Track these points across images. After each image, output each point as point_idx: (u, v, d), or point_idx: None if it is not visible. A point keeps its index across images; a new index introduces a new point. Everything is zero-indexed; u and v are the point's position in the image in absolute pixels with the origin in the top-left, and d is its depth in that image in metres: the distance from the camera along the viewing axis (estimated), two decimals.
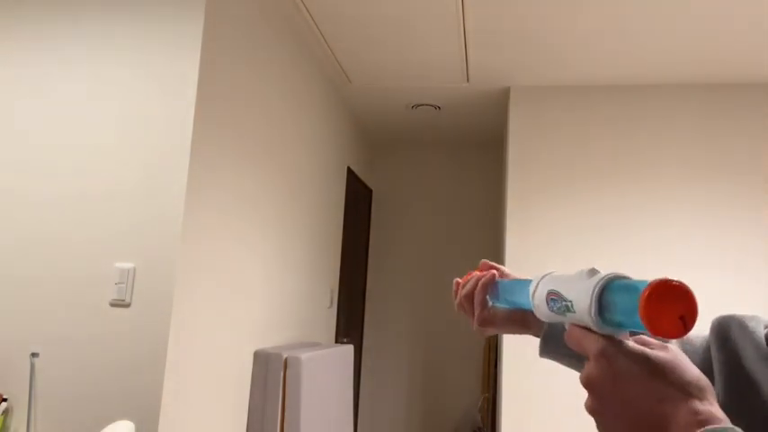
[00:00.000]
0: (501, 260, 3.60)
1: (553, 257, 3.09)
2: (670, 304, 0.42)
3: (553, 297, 0.54)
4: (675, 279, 0.43)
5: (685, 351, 0.64)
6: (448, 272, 4.36)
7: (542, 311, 0.57)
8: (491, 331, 0.74)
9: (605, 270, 0.50)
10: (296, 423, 2.23)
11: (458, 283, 0.78)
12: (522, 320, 0.73)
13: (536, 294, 0.59)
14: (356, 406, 4.16)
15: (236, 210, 2.13)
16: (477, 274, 0.74)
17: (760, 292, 2.89)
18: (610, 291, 0.47)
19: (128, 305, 1.72)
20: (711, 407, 0.43)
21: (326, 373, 2.61)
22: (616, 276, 0.48)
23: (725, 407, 0.59)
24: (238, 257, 2.16)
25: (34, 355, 1.73)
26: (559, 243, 3.10)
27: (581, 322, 0.50)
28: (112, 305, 1.73)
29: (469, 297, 0.74)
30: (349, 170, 3.84)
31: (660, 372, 0.45)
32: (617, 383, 0.46)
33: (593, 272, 0.50)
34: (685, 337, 0.66)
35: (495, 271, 0.73)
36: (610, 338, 0.47)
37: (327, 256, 3.38)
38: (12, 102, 1.92)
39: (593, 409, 0.48)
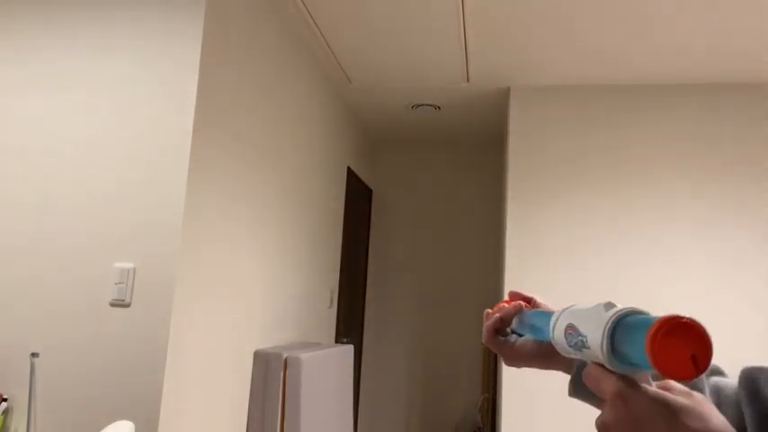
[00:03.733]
0: (501, 260, 3.60)
1: (553, 257, 3.09)
2: (679, 342, 0.39)
3: (570, 332, 0.52)
4: (687, 316, 0.40)
5: (720, 404, 0.61)
6: (448, 272, 4.35)
7: (561, 346, 0.55)
8: (521, 365, 0.71)
9: (622, 304, 0.47)
10: (296, 423, 2.23)
11: (487, 314, 0.75)
12: (551, 355, 0.69)
13: (556, 327, 0.56)
14: (356, 406, 4.16)
15: (236, 210, 2.13)
16: (505, 306, 0.72)
17: (761, 293, 2.89)
18: (621, 327, 0.45)
19: (128, 305, 1.72)
20: None
21: (326, 373, 2.61)
22: (630, 312, 0.46)
23: None
24: (238, 257, 2.16)
25: (34, 355, 1.73)
26: (559, 242, 3.10)
27: (596, 359, 0.47)
28: (112, 305, 1.73)
29: (497, 328, 0.71)
30: (349, 170, 3.84)
31: (683, 417, 0.42)
32: (635, 427, 0.43)
33: (609, 306, 0.48)
34: (718, 385, 0.62)
35: (522, 302, 0.70)
36: (628, 380, 0.45)
37: (327, 256, 3.38)
38: (11, 101, 1.92)
39: None
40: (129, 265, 1.74)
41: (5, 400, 1.72)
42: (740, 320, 2.88)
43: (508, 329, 0.72)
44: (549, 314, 0.61)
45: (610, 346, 0.45)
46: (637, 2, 2.36)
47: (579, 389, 0.66)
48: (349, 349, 3.02)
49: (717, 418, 0.43)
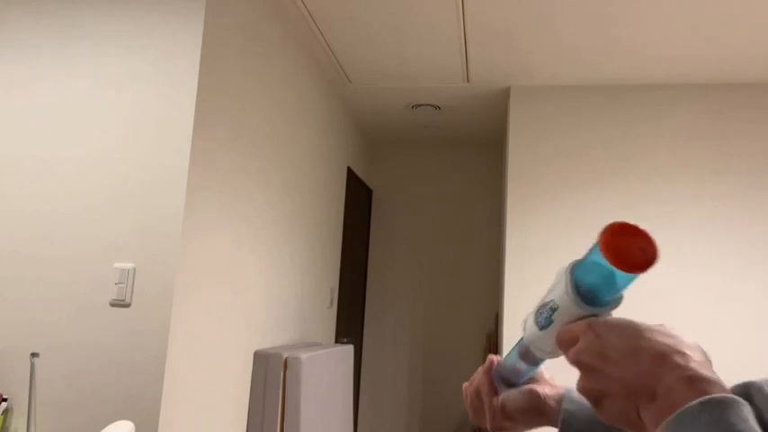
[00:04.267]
0: (501, 261, 3.60)
1: (553, 257, 3.09)
2: (627, 238, 0.44)
3: (540, 311, 0.55)
4: (628, 222, 0.46)
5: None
6: (448, 271, 4.35)
7: (536, 340, 0.56)
8: (509, 429, 0.67)
9: None
10: (296, 423, 2.23)
11: (466, 387, 0.72)
12: (539, 408, 0.67)
13: (526, 328, 0.58)
14: (356, 406, 4.16)
15: (236, 210, 2.13)
16: (479, 369, 0.71)
17: (761, 292, 2.89)
18: (577, 264, 0.50)
19: (128, 305, 1.72)
20: (704, 370, 0.41)
21: (326, 373, 2.61)
22: (582, 258, 0.51)
23: None
24: (238, 257, 2.16)
25: (34, 355, 1.73)
26: (559, 242, 3.10)
27: (568, 317, 0.50)
28: (112, 305, 1.73)
29: (478, 393, 0.68)
30: (349, 170, 3.84)
31: (647, 332, 0.44)
32: (604, 350, 0.45)
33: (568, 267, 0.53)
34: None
35: (495, 357, 0.69)
36: (594, 316, 0.48)
37: (327, 256, 3.38)
38: (10, 101, 1.92)
39: (584, 386, 0.46)
40: (129, 265, 1.74)
41: (5, 400, 1.72)
42: (742, 319, 2.88)
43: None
44: (515, 345, 0.63)
45: (574, 284, 0.49)
46: (637, 2, 2.36)
47: None
48: (349, 349, 3.02)
49: (682, 335, 0.44)
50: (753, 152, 3.01)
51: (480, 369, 0.70)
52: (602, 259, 0.44)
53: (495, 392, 0.67)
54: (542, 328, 0.54)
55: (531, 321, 0.57)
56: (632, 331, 0.45)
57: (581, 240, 3.08)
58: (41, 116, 1.88)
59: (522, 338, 0.60)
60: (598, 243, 0.45)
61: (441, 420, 4.23)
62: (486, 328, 4.13)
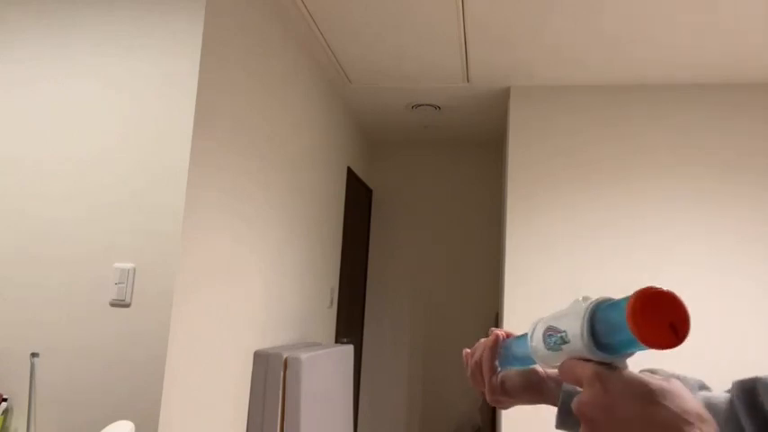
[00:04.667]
0: (501, 261, 3.60)
1: (553, 257, 3.09)
2: (658, 312, 0.40)
3: (550, 333, 0.53)
4: (660, 287, 0.41)
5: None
6: (448, 271, 4.35)
7: (540, 353, 0.55)
8: (507, 404, 0.69)
9: (598, 295, 0.49)
10: (296, 423, 2.23)
11: (467, 354, 0.73)
12: (538, 388, 0.68)
13: (534, 336, 0.56)
14: (356, 406, 4.16)
15: (236, 210, 2.13)
16: (483, 341, 0.70)
17: (761, 292, 2.89)
18: (600, 311, 0.45)
19: (128, 305, 1.72)
20: None
21: (326, 373, 2.61)
22: (606, 299, 0.46)
23: None
24: (238, 257, 2.16)
25: (34, 355, 1.73)
26: (559, 242, 3.10)
27: (577, 353, 0.48)
28: (112, 305, 1.73)
29: (479, 366, 0.69)
30: (349, 170, 3.84)
31: (659, 397, 0.42)
32: (611, 407, 0.43)
33: (585, 298, 0.48)
34: (709, 400, 0.62)
35: (501, 332, 0.68)
36: (605, 364, 0.45)
37: (327, 256, 3.38)
38: (10, 100, 1.92)
39: None
40: (129, 265, 1.74)
41: (5, 400, 1.72)
42: (743, 319, 2.88)
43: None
44: (525, 334, 0.60)
45: (590, 330, 0.45)
46: (637, 2, 2.36)
47: (566, 419, 0.66)
48: (349, 349, 3.02)
49: (692, 400, 0.43)
50: (753, 152, 3.01)
51: (484, 342, 0.69)
52: (626, 322, 0.41)
53: (496, 369, 0.68)
54: (549, 348, 0.53)
55: (539, 332, 0.55)
56: (643, 393, 0.42)
57: (581, 240, 3.08)
58: (41, 116, 1.88)
59: (535, 324, 0.58)
60: (627, 305, 0.41)
61: (441, 420, 4.23)
62: (486, 327, 4.12)
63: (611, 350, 0.45)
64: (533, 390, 0.68)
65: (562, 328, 0.50)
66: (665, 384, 0.43)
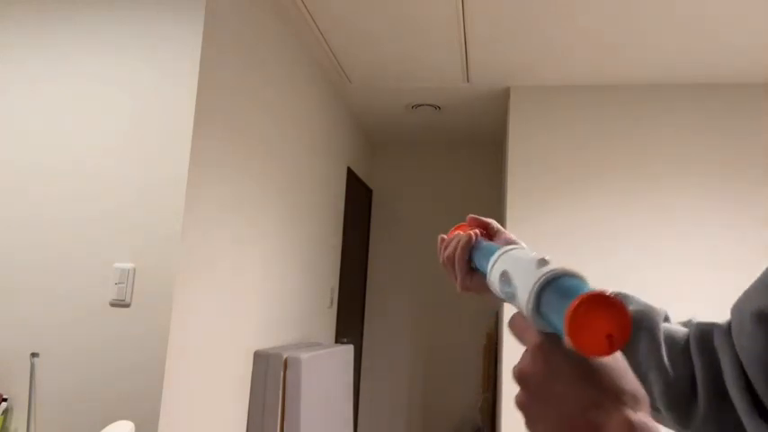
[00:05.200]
0: None
1: (553, 257, 3.08)
2: (598, 320, 0.39)
3: (504, 279, 0.52)
4: (612, 292, 0.40)
5: (670, 349, 0.63)
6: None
7: (495, 289, 0.55)
8: (475, 293, 0.71)
9: (557, 263, 0.47)
10: (296, 423, 2.23)
11: (442, 240, 0.74)
12: None
13: (494, 269, 0.56)
14: (356, 406, 4.16)
15: (236, 210, 2.13)
16: (459, 233, 0.71)
17: None
18: (549, 290, 0.44)
19: (128, 305, 1.72)
20: (645, 418, 0.41)
21: (326, 373, 2.61)
22: (561, 274, 0.45)
23: (706, 419, 0.58)
24: (238, 257, 2.16)
25: (34, 355, 1.73)
26: (559, 242, 3.10)
27: (522, 311, 0.47)
28: (112, 305, 1.73)
29: (450, 259, 0.71)
30: (349, 170, 3.84)
31: (596, 375, 0.42)
32: (549, 381, 0.43)
33: (541, 263, 0.47)
34: (670, 331, 0.65)
35: (475, 231, 0.69)
36: (550, 335, 0.44)
37: (327, 255, 3.38)
38: (10, 101, 1.92)
39: (522, 403, 0.45)
40: (129, 265, 1.74)
41: (5, 400, 1.72)
42: None
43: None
44: (495, 249, 0.60)
45: (536, 308, 0.45)
46: (637, 2, 2.36)
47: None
48: (349, 349, 3.02)
49: (629, 376, 0.43)
50: (753, 152, 3.01)
51: (458, 239, 0.70)
52: (563, 322, 0.40)
53: (468, 267, 0.69)
54: (502, 291, 0.52)
55: (497, 271, 0.54)
56: (582, 370, 0.42)
57: (581, 240, 3.08)
58: (42, 117, 1.88)
59: (497, 256, 0.57)
60: (566, 310, 0.39)
61: (441, 420, 4.23)
62: (486, 327, 4.13)
63: (554, 327, 0.44)
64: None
65: (514, 284, 0.49)
66: (604, 360, 0.43)
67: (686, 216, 3.01)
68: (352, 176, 3.90)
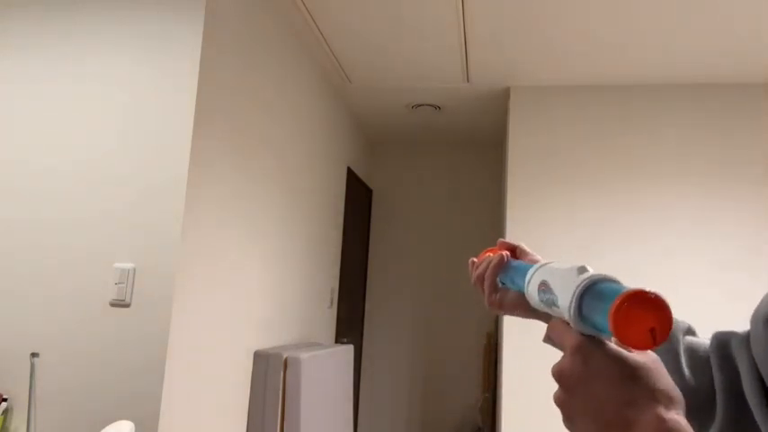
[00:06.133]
0: None
1: (553, 256, 3.08)
2: (641, 315, 0.42)
3: (543, 288, 0.55)
4: (653, 290, 0.42)
5: (693, 364, 0.64)
6: (448, 271, 4.35)
7: (534, 300, 0.58)
8: (502, 313, 0.74)
9: (595, 270, 0.50)
10: (296, 423, 2.23)
11: (472, 263, 0.78)
12: (530, 307, 0.72)
13: (531, 282, 0.59)
14: (356, 406, 4.16)
15: (236, 210, 2.13)
16: (490, 255, 0.74)
17: (760, 291, 2.89)
18: (590, 293, 0.47)
19: (128, 305, 1.72)
20: (678, 416, 0.43)
21: (326, 373, 2.61)
22: (601, 279, 0.48)
23: (724, 425, 0.59)
24: (238, 257, 2.16)
25: (34, 355, 1.73)
26: (559, 243, 3.10)
27: (565, 318, 0.50)
28: (112, 305, 1.73)
29: (481, 279, 0.74)
30: (349, 170, 3.84)
31: (633, 375, 0.44)
32: (588, 381, 0.45)
33: (582, 270, 0.50)
34: (692, 345, 0.66)
35: (506, 253, 0.72)
36: (590, 337, 0.47)
37: (327, 256, 3.38)
38: (9, 100, 1.92)
39: (560, 401, 0.48)
40: (129, 265, 1.74)
41: (5, 400, 1.72)
42: (742, 317, 2.88)
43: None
44: (528, 266, 0.63)
45: (578, 310, 0.47)
46: (637, 2, 2.36)
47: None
48: (349, 349, 3.02)
49: (665, 378, 0.45)
50: (753, 152, 3.01)
51: (489, 260, 0.73)
52: (606, 320, 0.42)
53: (497, 287, 0.72)
54: (542, 301, 0.55)
55: (536, 282, 0.57)
56: (620, 371, 0.45)
57: (581, 239, 3.08)
58: (42, 117, 1.88)
59: (534, 270, 0.60)
60: (611, 306, 0.42)
61: (441, 420, 4.23)
62: (486, 327, 4.13)
63: (595, 329, 0.47)
64: (526, 307, 0.72)
65: (555, 292, 0.52)
66: (640, 360, 0.45)
67: (686, 216, 3.01)
68: (352, 176, 3.90)
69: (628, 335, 0.42)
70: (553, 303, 0.52)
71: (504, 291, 0.72)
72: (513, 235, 3.16)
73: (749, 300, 2.69)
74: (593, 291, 0.47)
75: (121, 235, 1.76)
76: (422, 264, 4.40)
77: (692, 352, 0.65)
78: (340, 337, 3.68)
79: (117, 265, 1.74)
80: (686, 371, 0.64)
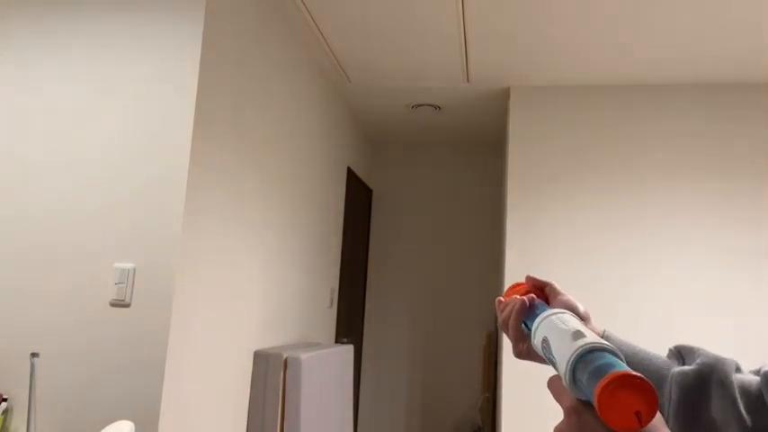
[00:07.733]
0: (501, 261, 3.60)
1: (553, 258, 3.09)
2: (627, 398, 0.43)
3: (545, 345, 0.57)
4: (638, 375, 0.43)
5: (747, 402, 0.63)
6: (448, 271, 4.36)
7: (538, 351, 0.60)
8: (530, 360, 0.73)
9: (590, 335, 0.51)
10: (296, 423, 2.23)
11: (499, 302, 0.77)
12: None
13: (536, 334, 0.60)
14: (356, 406, 4.16)
15: (236, 210, 2.13)
16: (515, 297, 0.73)
17: (760, 290, 2.89)
18: (583, 364, 0.49)
19: (128, 305, 1.72)
20: None
21: (326, 373, 2.61)
22: (593, 348, 0.49)
23: None
24: (238, 257, 2.16)
25: (34, 355, 1.73)
26: (560, 243, 3.10)
27: (561, 378, 0.52)
28: (112, 305, 1.73)
29: (506, 323, 0.73)
30: (349, 170, 3.84)
31: None
32: None
33: (577, 335, 0.52)
34: (743, 383, 0.65)
35: (530, 296, 0.71)
36: (585, 401, 0.49)
37: (327, 256, 3.38)
38: (10, 101, 1.92)
39: None
40: (129, 265, 1.74)
41: (5, 400, 1.72)
42: (741, 320, 2.88)
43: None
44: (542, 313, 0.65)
45: (572, 379, 0.50)
46: (637, 2, 2.36)
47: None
48: (349, 349, 3.02)
49: None
50: (753, 152, 3.01)
51: (512, 305, 0.72)
52: (594, 395, 0.44)
53: (523, 335, 0.71)
54: (544, 355, 0.58)
55: (540, 336, 0.59)
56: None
57: (581, 239, 3.08)
58: (42, 117, 1.88)
59: (539, 322, 0.61)
60: (596, 387, 0.44)
61: (441, 420, 4.23)
62: (486, 328, 4.13)
63: (587, 397, 0.48)
64: None
65: (553, 353, 0.54)
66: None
67: (686, 216, 3.01)
68: (352, 176, 3.90)
69: (613, 417, 0.43)
70: (552, 362, 0.55)
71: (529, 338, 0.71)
72: (513, 235, 3.16)
73: (750, 299, 2.70)
74: (586, 361, 0.48)
75: (121, 235, 1.76)
76: (422, 264, 4.40)
77: (746, 392, 0.64)
78: (340, 337, 3.68)
79: (117, 264, 1.74)
80: (745, 416, 0.62)
